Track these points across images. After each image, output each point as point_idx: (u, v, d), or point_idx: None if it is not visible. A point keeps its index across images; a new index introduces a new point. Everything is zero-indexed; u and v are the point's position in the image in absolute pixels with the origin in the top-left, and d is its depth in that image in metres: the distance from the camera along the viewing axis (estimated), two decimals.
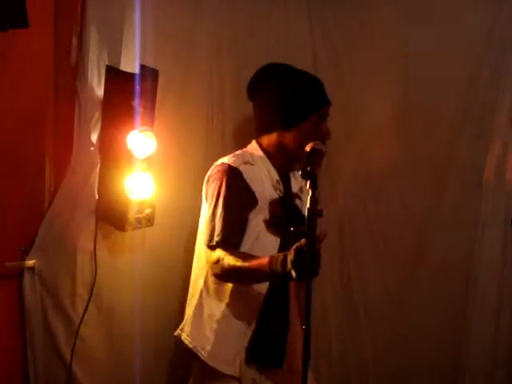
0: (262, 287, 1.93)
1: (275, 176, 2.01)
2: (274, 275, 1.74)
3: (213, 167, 2.05)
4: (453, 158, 2.23)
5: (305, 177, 1.61)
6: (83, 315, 2.21)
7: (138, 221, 2.22)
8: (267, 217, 1.93)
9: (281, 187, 1.99)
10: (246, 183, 1.94)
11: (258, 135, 2.09)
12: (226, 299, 1.99)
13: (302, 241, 1.60)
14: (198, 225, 2.59)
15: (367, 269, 2.54)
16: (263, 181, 1.98)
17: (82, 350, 2.24)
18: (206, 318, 2.03)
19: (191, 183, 2.51)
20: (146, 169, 2.19)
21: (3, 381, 2.15)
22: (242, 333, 1.97)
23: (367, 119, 2.55)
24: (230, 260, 1.85)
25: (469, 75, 2.20)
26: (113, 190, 2.18)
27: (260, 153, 2.03)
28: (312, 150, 1.77)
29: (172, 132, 2.36)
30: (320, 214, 1.56)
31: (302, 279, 1.64)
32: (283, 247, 1.86)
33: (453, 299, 2.14)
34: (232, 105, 2.61)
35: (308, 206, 1.55)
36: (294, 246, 1.68)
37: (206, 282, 2.04)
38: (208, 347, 1.99)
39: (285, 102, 2.00)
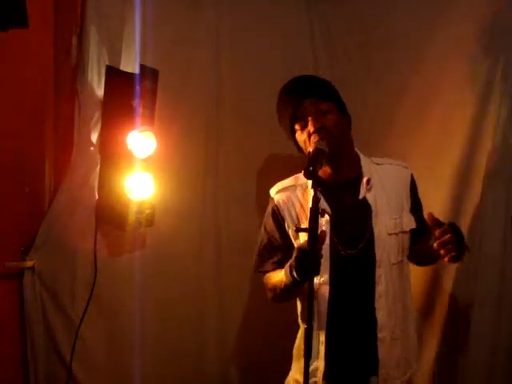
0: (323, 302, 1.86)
1: (306, 197, 1.92)
2: (290, 281, 1.74)
3: None
4: (454, 159, 2.23)
5: (307, 176, 1.62)
6: (83, 315, 2.22)
7: (138, 221, 2.22)
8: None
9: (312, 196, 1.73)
10: (277, 213, 1.95)
11: None
12: (300, 320, 1.99)
13: (304, 240, 1.60)
14: (197, 224, 2.60)
15: None
16: (295, 205, 1.93)
17: (81, 350, 2.24)
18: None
19: (191, 183, 2.52)
20: (145, 169, 2.19)
21: (3, 381, 2.15)
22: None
23: (367, 119, 2.55)
24: (267, 281, 1.95)
25: (467, 74, 2.20)
26: (113, 190, 2.18)
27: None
28: (314, 150, 1.76)
29: (172, 132, 2.36)
30: (322, 213, 1.56)
31: (305, 278, 1.64)
32: (337, 262, 1.83)
33: (453, 300, 2.14)
34: (232, 104, 2.61)
35: (310, 205, 1.55)
36: (297, 246, 1.69)
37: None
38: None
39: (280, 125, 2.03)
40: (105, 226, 2.26)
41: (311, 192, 1.59)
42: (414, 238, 1.94)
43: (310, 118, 1.85)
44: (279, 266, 1.91)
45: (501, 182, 2.07)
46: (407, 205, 1.93)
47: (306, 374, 1.55)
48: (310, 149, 1.78)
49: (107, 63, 2.19)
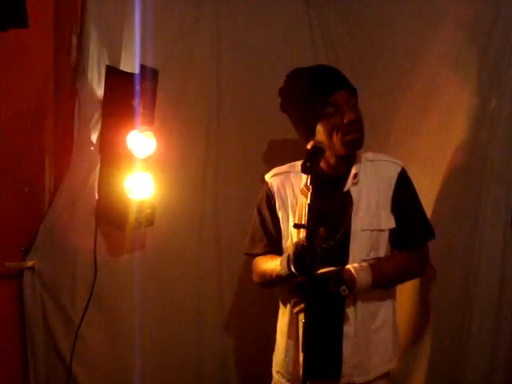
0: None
1: (299, 184, 1.92)
2: (285, 274, 1.77)
3: None
4: (454, 159, 2.23)
5: (304, 172, 1.63)
6: (83, 315, 2.22)
7: (138, 221, 2.22)
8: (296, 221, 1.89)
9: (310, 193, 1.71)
10: (270, 196, 1.98)
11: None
12: (280, 313, 2.02)
13: (302, 236, 1.61)
14: (197, 224, 2.60)
15: None
16: (287, 190, 1.96)
17: (82, 349, 2.24)
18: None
19: (191, 183, 2.52)
20: (145, 169, 2.19)
21: (3, 381, 2.15)
22: (287, 346, 1.92)
23: (367, 119, 2.54)
24: (257, 266, 1.99)
25: (467, 74, 2.20)
26: (113, 190, 2.18)
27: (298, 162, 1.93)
28: (312, 147, 1.77)
29: (172, 132, 2.36)
30: (320, 209, 1.57)
31: (302, 274, 1.66)
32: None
33: (453, 299, 2.14)
34: (232, 104, 2.61)
35: (308, 201, 1.56)
36: (295, 242, 1.72)
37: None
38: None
39: (296, 108, 1.95)
40: (105, 226, 2.26)
41: (308, 188, 1.59)
42: (395, 238, 1.91)
43: (346, 107, 1.84)
44: (269, 249, 1.96)
45: (500, 185, 2.06)
46: (388, 203, 1.90)
47: (305, 366, 1.56)
48: (308, 146, 1.79)
49: (107, 63, 2.19)
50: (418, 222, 1.95)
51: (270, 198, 1.99)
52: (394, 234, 1.90)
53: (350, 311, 1.85)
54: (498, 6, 2.09)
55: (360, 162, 1.94)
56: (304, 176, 1.76)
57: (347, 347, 1.84)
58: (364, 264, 1.82)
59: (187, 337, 2.56)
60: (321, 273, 1.74)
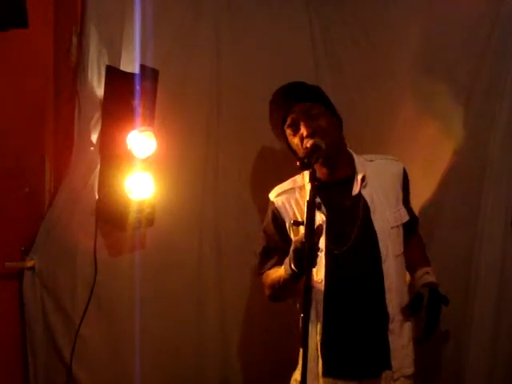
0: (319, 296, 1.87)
1: (304, 198, 1.92)
2: (289, 275, 1.77)
3: None
4: (454, 159, 2.23)
5: (302, 168, 1.65)
6: (83, 315, 2.22)
7: (138, 221, 2.22)
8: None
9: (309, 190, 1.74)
10: (278, 216, 1.98)
11: None
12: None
13: (301, 233, 1.62)
14: (197, 224, 2.60)
15: None
16: (294, 207, 1.96)
17: (81, 350, 2.24)
18: None
19: (191, 183, 2.52)
20: (145, 169, 2.19)
21: (3, 381, 2.15)
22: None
23: (367, 119, 2.54)
24: (266, 279, 1.98)
25: (467, 75, 2.20)
26: (113, 190, 2.18)
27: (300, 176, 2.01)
28: (312, 145, 1.80)
29: (172, 132, 2.36)
30: (319, 206, 1.58)
31: (301, 270, 1.66)
32: (331, 261, 1.86)
33: (453, 299, 2.14)
34: (232, 104, 2.61)
35: (307, 198, 1.57)
36: (294, 239, 1.72)
37: None
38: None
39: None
40: (105, 226, 2.26)
41: (308, 187, 1.61)
42: (407, 229, 2.00)
43: (302, 123, 1.89)
44: (277, 265, 1.94)
45: (500, 185, 2.06)
46: (401, 197, 2.00)
47: (305, 367, 1.57)
48: (308, 144, 1.80)
49: (107, 63, 2.19)
50: (413, 210, 2.09)
51: (277, 218, 1.99)
52: (405, 225, 1.99)
53: (391, 309, 1.88)
54: (497, 6, 2.09)
55: (361, 164, 1.96)
56: (308, 189, 1.72)
57: (394, 342, 1.88)
58: (428, 269, 2.00)
59: (187, 336, 2.56)
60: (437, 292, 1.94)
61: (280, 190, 2.01)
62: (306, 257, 1.57)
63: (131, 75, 2.14)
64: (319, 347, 1.87)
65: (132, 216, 2.19)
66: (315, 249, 1.59)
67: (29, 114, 2.14)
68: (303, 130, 1.87)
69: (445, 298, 1.98)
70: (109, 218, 2.23)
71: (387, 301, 1.88)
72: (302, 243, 1.60)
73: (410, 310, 1.92)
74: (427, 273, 2.01)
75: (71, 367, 2.22)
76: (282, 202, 1.98)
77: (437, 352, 2.24)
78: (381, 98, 2.52)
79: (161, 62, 2.26)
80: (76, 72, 2.20)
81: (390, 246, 1.90)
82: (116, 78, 2.16)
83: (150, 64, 2.19)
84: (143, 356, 2.36)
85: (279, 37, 2.66)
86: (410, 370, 1.91)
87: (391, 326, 1.88)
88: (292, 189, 1.99)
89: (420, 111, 2.37)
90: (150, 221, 2.27)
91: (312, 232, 1.57)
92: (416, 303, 1.94)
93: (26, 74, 2.11)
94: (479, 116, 2.14)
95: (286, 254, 1.87)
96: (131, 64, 2.19)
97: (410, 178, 2.07)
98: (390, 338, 1.88)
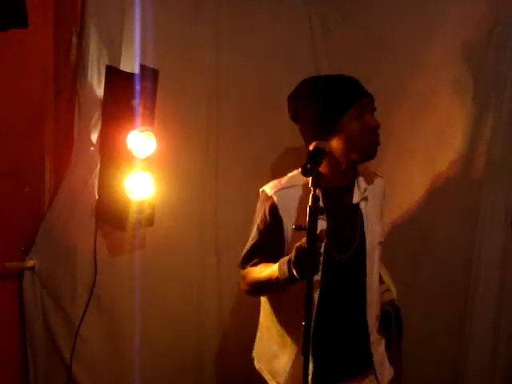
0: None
1: (305, 198, 1.86)
2: (284, 279, 1.71)
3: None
4: (454, 159, 2.23)
5: (305, 174, 1.59)
6: (83, 315, 2.22)
7: (138, 221, 2.22)
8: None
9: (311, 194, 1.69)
10: (275, 212, 1.88)
11: None
12: (279, 315, 1.97)
13: (303, 239, 1.60)
14: (197, 224, 2.59)
15: None
16: (294, 206, 1.88)
17: (82, 350, 2.24)
18: (264, 338, 2.04)
19: (191, 183, 2.52)
20: (146, 169, 2.19)
21: (3, 381, 2.15)
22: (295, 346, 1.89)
23: None
24: (250, 274, 1.90)
25: (467, 75, 2.20)
26: (113, 190, 2.18)
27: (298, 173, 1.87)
28: (314, 148, 1.74)
29: (172, 132, 2.36)
30: (321, 211, 1.56)
31: (303, 277, 1.64)
32: (329, 267, 1.83)
33: (453, 300, 2.14)
34: (232, 104, 2.61)
35: (309, 203, 1.55)
36: (296, 245, 1.66)
37: (263, 303, 2.04)
38: (268, 366, 2.00)
39: (316, 107, 1.87)
40: (105, 226, 2.26)
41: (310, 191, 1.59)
42: None
43: (369, 114, 1.86)
44: (261, 263, 1.88)
45: (500, 185, 2.07)
46: (381, 214, 1.99)
47: (306, 372, 1.57)
48: (310, 148, 1.78)
49: (107, 63, 2.19)
50: None
51: (275, 215, 1.88)
52: None
53: (370, 321, 1.90)
54: (498, 5, 2.10)
55: (363, 173, 1.94)
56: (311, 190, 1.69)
57: (376, 352, 1.92)
58: (388, 286, 2.05)
59: (187, 337, 2.56)
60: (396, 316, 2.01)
61: (280, 187, 1.91)
62: (308, 263, 1.55)
63: (131, 75, 2.14)
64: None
65: (132, 216, 2.18)
66: (318, 255, 1.56)
67: (29, 114, 2.14)
68: (373, 121, 1.85)
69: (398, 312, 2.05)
70: (109, 218, 2.23)
71: (367, 313, 1.90)
72: (305, 249, 1.57)
73: (383, 329, 1.98)
74: (388, 290, 2.05)
75: (71, 367, 2.22)
76: (283, 199, 1.89)
77: (437, 352, 2.24)
78: (381, 97, 2.51)
79: (161, 62, 2.26)
80: (76, 72, 2.20)
81: (375, 261, 1.90)
82: (116, 78, 2.16)
83: (149, 64, 2.19)
84: (143, 356, 2.36)
85: (279, 36, 2.66)
86: (390, 375, 1.97)
87: (372, 338, 1.91)
88: (292, 186, 1.90)
89: (420, 110, 2.37)
90: (150, 221, 2.27)
91: (314, 238, 1.54)
92: (385, 321, 2.00)
93: (26, 73, 2.11)
94: (479, 115, 2.14)
95: (276, 251, 1.84)
96: (131, 64, 2.19)
97: (410, 177, 2.07)
98: (373, 348, 1.91)
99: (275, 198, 1.89)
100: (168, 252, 2.47)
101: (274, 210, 1.89)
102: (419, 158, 2.32)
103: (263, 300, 2.01)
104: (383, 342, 1.99)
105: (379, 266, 1.95)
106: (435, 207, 2.29)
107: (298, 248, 1.65)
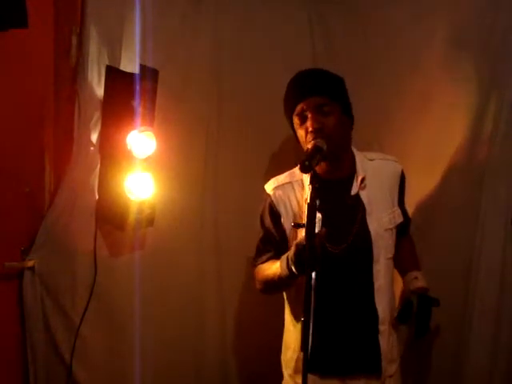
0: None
1: (302, 193, 1.94)
2: (285, 275, 1.77)
3: None
4: (454, 158, 2.23)
5: (302, 170, 1.64)
6: (83, 315, 2.22)
7: (138, 221, 2.22)
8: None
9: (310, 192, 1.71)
10: (274, 210, 1.97)
11: None
12: (291, 306, 2.01)
13: (303, 236, 1.61)
14: (197, 224, 2.59)
15: None
16: (291, 201, 1.96)
17: (81, 350, 2.24)
18: (285, 329, 2.06)
19: (191, 183, 2.52)
20: (146, 169, 2.19)
21: (3, 381, 2.15)
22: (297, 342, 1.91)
23: (366, 118, 2.54)
24: (259, 272, 1.98)
25: (467, 73, 2.20)
26: (113, 190, 2.18)
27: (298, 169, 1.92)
28: (313, 147, 1.78)
29: (172, 132, 2.36)
30: (318, 207, 1.57)
31: (302, 273, 1.66)
32: (326, 259, 1.81)
33: (453, 300, 2.14)
34: (232, 104, 2.61)
35: (308, 200, 1.56)
36: (295, 242, 1.71)
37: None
38: (283, 356, 2.04)
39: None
40: (105, 226, 2.26)
41: (308, 188, 1.60)
42: (400, 229, 2.02)
43: (310, 116, 1.86)
44: (272, 258, 1.95)
45: (501, 184, 2.07)
46: (396, 199, 2.00)
47: (305, 365, 1.56)
48: (309, 146, 1.79)
49: (107, 63, 2.19)
50: (407, 212, 2.10)
51: (273, 211, 1.98)
52: (398, 226, 2.00)
53: (381, 310, 1.90)
54: (497, 5, 2.10)
55: (362, 163, 1.96)
56: (307, 187, 1.71)
57: (383, 343, 1.89)
58: (417, 273, 2.02)
59: (187, 336, 2.56)
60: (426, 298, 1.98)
61: (277, 183, 2.00)
62: (306, 260, 1.56)
63: (131, 75, 2.14)
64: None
65: (132, 216, 2.19)
66: (317, 252, 1.57)
67: (29, 114, 2.14)
68: (309, 124, 1.85)
69: (435, 301, 2.00)
70: (109, 218, 2.23)
71: (376, 302, 1.89)
72: (304, 246, 1.59)
73: (399, 319, 1.95)
74: (416, 278, 2.02)
75: (71, 367, 2.22)
76: (280, 195, 1.97)
77: (437, 352, 2.24)
78: (381, 97, 2.52)
79: (161, 62, 2.26)
80: (76, 72, 2.20)
81: (382, 248, 1.91)
82: (116, 78, 2.16)
83: (149, 64, 2.19)
84: (143, 355, 2.36)
85: (279, 36, 2.66)
86: (393, 370, 1.95)
87: (381, 328, 1.89)
88: (290, 183, 1.98)
89: (420, 107, 2.37)
90: (150, 221, 2.27)
91: (313, 236, 1.56)
92: (405, 311, 1.97)
93: (26, 73, 2.10)
94: (479, 114, 2.14)
95: (281, 247, 1.89)
96: (131, 64, 2.19)
97: (409, 176, 2.07)
98: (380, 339, 1.89)
99: (273, 195, 1.98)
100: (168, 252, 2.47)
101: (271, 206, 1.98)
102: (420, 158, 2.32)
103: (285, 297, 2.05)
104: (396, 334, 1.96)
105: (390, 252, 1.95)
106: (435, 207, 2.29)
107: (297, 245, 1.69)
